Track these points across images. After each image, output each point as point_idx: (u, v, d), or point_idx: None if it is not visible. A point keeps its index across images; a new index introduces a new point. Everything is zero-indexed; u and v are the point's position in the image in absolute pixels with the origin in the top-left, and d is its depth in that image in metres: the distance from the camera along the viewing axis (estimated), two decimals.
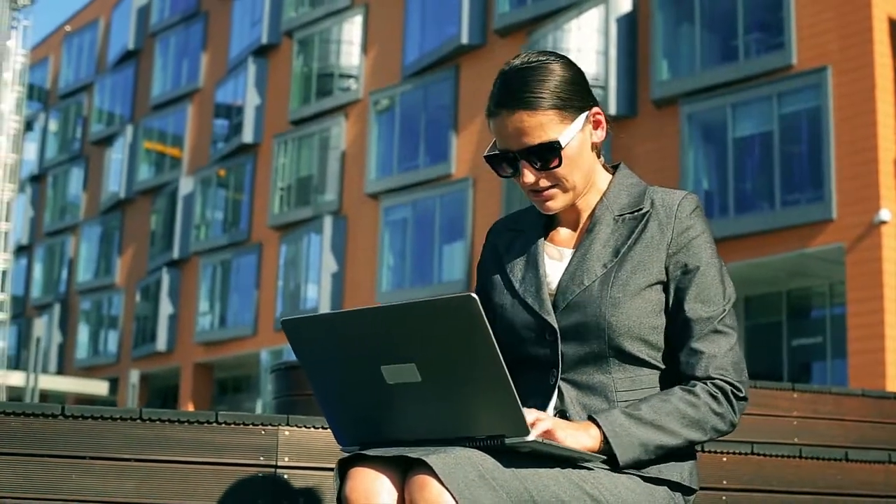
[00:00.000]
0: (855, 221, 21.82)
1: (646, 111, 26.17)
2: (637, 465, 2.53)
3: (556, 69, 2.65)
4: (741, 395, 2.62)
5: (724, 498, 3.68)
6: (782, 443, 4.60)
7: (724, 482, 3.70)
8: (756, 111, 24.05)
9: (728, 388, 2.60)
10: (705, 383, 2.59)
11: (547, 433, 2.43)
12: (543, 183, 2.66)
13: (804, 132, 23.33)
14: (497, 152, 2.68)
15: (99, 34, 53.52)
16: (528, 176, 2.65)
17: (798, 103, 23.39)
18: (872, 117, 21.96)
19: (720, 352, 2.61)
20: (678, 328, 2.64)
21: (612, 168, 2.83)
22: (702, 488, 3.54)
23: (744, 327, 25.82)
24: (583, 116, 2.66)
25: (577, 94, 2.66)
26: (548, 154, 2.62)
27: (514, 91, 2.62)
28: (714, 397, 2.58)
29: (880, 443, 4.90)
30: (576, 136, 2.65)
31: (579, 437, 2.47)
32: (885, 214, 21.44)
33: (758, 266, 23.74)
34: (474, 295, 2.27)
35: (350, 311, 2.44)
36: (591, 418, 2.53)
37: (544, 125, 2.60)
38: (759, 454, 3.79)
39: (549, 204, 2.70)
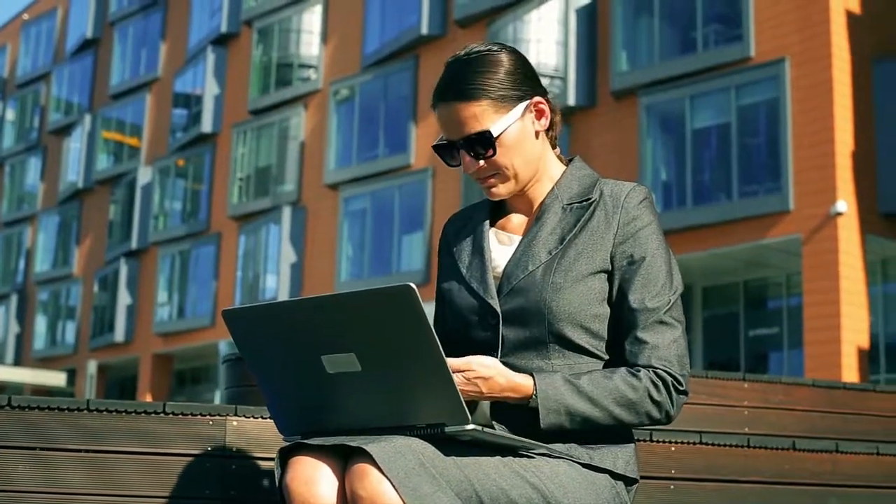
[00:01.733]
0: (812, 213, 21.94)
1: (605, 102, 26.23)
2: (560, 433, 2.56)
3: (497, 60, 2.70)
4: (681, 388, 2.63)
5: (672, 487, 3.69)
6: (731, 432, 4.63)
7: (673, 471, 3.71)
8: (714, 103, 24.14)
9: (669, 379, 2.61)
10: (648, 371, 2.60)
11: (481, 366, 2.51)
12: (484, 171, 2.72)
13: (762, 124, 23.44)
14: (443, 142, 2.75)
15: (57, 22, 53.15)
16: (467, 165, 2.71)
17: (756, 95, 23.49)
18: (830, 109, 22.08)
19: (664, 343, 2.62)
20: (623, 318, 2.65)
21: (569, 161, 2.87)
22: (650, 477, 3.56)
23: (701, 317, 25.96)
24: (521, 106, 2.70)
25: (516, 85, 2.70)
26: (481, 143, 2.67)
27: (451, 83, 2.70)
28: (655, 385, 2.60)
29: (829, 432, 4.94)
30: (514, 125, 2.69)
31: (511, 378, 2.54)
32: (841, 206, 21.57)
33: (715, 257, 23.85)
34: (412, 285, 2.29)
35: (290, 301, 2.45)
36: (531, 374, 2.57)
37: (478, 115, 2.66)
38: (707, 443, 3.80)
39: (494, 191, 2.76)
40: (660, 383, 2.60)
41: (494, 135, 2.66)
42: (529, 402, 2.55)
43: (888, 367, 23.04)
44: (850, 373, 20.98)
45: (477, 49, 2.74)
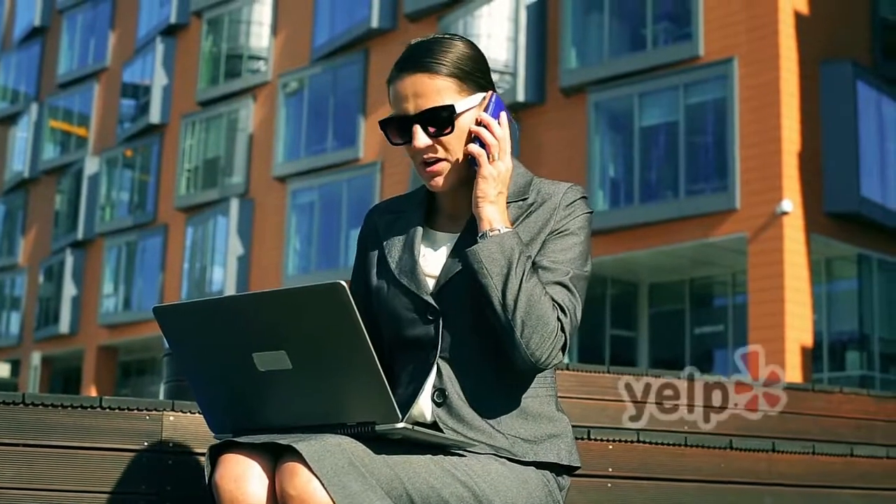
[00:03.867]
0: (758, 212, 22.09)
1: (554, 99, 26.28)
2: (475, 266, 2.57)
3: (460, 45, 2.71)
4: (563, 349, 2.59)
5: (609, 485, 3.71)
6: (669, 430, 4.66)
7: (610, 469, 3.73)
8: (663, 101, 24.24)
9: (562, 335, 2.58)
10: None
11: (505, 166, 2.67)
12: (434, 152, 2.68)
13: (710, 123, 23.58)
14: (393, 117, 2.71)
15: (4, 10, 52.71)
16: (420, 139, 2.66)
17: (704, 94, 23.62)
18: (777, 109, 22.23)
19: (563, 301, 2.60)
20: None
21: None
22: (587, 475, 3.58)
23: (647, 315, 26.10)
24: (480, 96, 2.69)
25: (479, 72, 2.70)
26: (442, 118, 2.65)
27: (417, 57, 2.68)
28: (559, 319, 2.58)
29: (767, 431, 4.98)
30: (471, 111, 2.68)
31: (502, 201, 2.66)
32: (787, 205, 21.73)
33: (661, 254, 23.97)
34: (343, 282, 2.29)
35: (221, 298, 2.45)
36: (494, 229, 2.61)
37: (441, 90, 2.64)
38: (645, 441, 3.83)
39: (437, 179, 2.72)
40: (557, 330, 2.57)
41: (457, 111, 2.65)
42: (487, 231, 2.60)
43: (831, 365, 23.24)
44: (793, 371, 21.15)
45: (442, 35, 2.73)
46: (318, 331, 2.35)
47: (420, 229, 2.79)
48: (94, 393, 40.19)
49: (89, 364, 41.85)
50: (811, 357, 22.18)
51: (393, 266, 2.75)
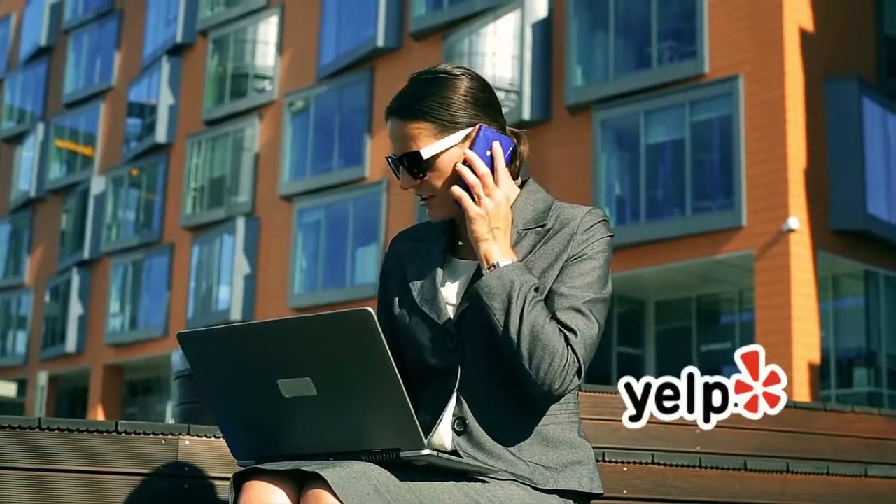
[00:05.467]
0: (764, 229, 22.07)
1: (560, 117, 26.28)
2: (485, 300, 2.58)
3: (452, 84, 2.70)
4: (580, 371, 2.58)
5: None
6: (683, 451, 4.65)
7: (625, 491, 3.73)
8: (668, 118, 24.24)
9: (574, 357, 2.57)
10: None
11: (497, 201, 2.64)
12: (421, 191, 2.73)
13: (715, 140, 23.57)
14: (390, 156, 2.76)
15: (11, 29, 52.78)
16: (403, 182, 2.72)
17: (710, 111, 23.61)
18: (783, 126, 22.23)
19: (579, 327, 2.59)
20: (548, 301, 2.63)
21: (522, 183, 2.83)
22: (602, 497, 3.57)
23: (654, 332, 26.06)
24: (463, 132, 2.68)
25: (462, 110, 2.68)
26: (413, 164, 2.68)
27: (400, 99, 2.72)
28: (565, 352, 2.57)
29: (779, 451, 4.97)
30: (452, 149, 2.67)
31: (503, 236, 2.65)
32: (793, 222, 21.71)
33: (668, 271, 23.94)
34: (371, 309, 2.29)
35: (246, 324, 2.45)
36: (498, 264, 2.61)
37: (415, 137, 2.67)
38: (659, 463, 3.83)
39: (431, 213, 2.77)
40: (567, 355, 2.55)
41: (424, 157, 2.66)
42: (487, 266, 2.61)
43: (838, 382, 23.20)
44: (801, 388, 21.10)
45: (439, 69, 2.74)
46: (344, 357, 2.35)
47: (441, 258, 2.79)
48: (100, 412, 40.19)
49: (96, 383, 41.82)
50: (819, 374, 22.14)
51: (415, 294, 2.75)
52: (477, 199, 2.65)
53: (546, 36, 27.01)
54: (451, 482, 2.45)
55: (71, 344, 42.67)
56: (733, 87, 22.97)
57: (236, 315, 33.45)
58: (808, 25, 23.16)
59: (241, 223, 34.68)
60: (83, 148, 45.23)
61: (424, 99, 2.67)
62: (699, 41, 23.73)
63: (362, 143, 31.60)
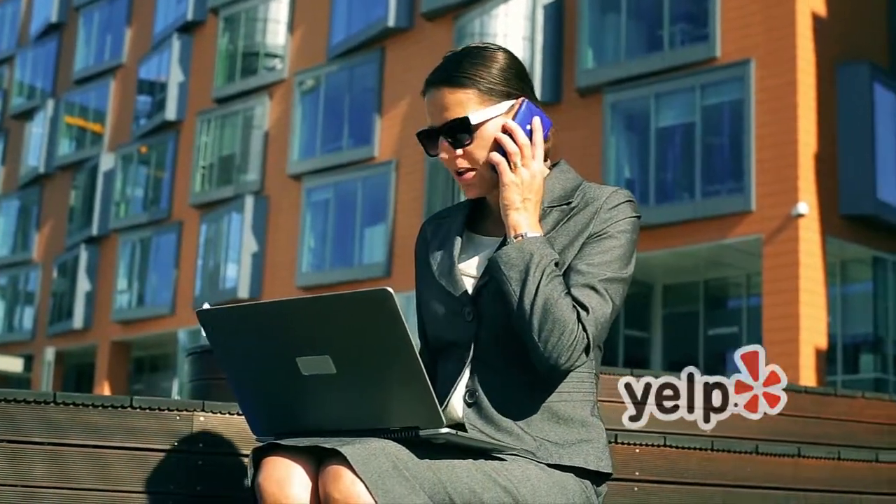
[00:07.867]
0: (773, 214, 22.06)
1: (570, 99, 26.25)
2: (496, 264, 2.60)
3: (492, 55, 2.74)
4: (587, 348, 2.59)
5: (635, 489, 3.72)
6: (695, 434, 4.65)
7: (637, 473, 3.73)
8: (679, 102, 24.21)
9: (583, 334, 2.58)
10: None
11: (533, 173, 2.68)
12: (461, 163, 2.72)
13: (726, 124, 23.54)
14: (427, 129, 2.76)
15: (21, 6, 52.72)
16: (444, 152, 2.72)
17: (721, 95, 23.59)
18: (794, 111, 22.19)
19: (591, 304, 2.60)
20: (566, 277, 2.64)
21: (553, 165, 2.85)
22: (614, 479, 3.58)
23: (661, 316, 26.07)
24: (507, 103, 2.71)
25: (506, 81, 2.72)
26: (459, 130, 2.69)
27: (443, 70, 2.73)
28: (579, 321, 2.58)
29: (791, 435, 4.97)
30: (496, 119, 2.69)
31: (533, 208, 2.67)
32: (802, 207, 21.69)
33: (676, 255, 23.94)
34: (390, 289, 2.30)
35: (266, 302, 2.46)
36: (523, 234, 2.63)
37: (462, 103, 2.68)
38: (671, 446, 3.83)
39: (467, 189, 2.77)
40: (577, 331, 2.55)
41: (473, 122, 2.67)
42: (513, 235, 2.63)
43: (845, 368, 23.22)
44: (807, 373, 21.11)
45: (474, 45, 2.77)
46: (364, 336, 2.36)
47: (459, 233, 2.82)
48: (107, 388, 40.29)
49: (102, 359, 41.90)
50: (825, 359, 22.15)
51: (434, 267, 2.79)
52: (513, 168, 2.67)
53: (557, 17, 26.97)
54: (470, 460, 2.46)
55: (78, 320, 42.73)
56: (745, 71, 22.93)
57: (244, 293, 33.49)
58: (821, 10, 23.11)
59: (249, 201, 34.69)
60: (93, 125, 45.23)
61: (471, 69, 2.70)
62: (711, 24, 23.68)
63: (372, 123, 31.57)
